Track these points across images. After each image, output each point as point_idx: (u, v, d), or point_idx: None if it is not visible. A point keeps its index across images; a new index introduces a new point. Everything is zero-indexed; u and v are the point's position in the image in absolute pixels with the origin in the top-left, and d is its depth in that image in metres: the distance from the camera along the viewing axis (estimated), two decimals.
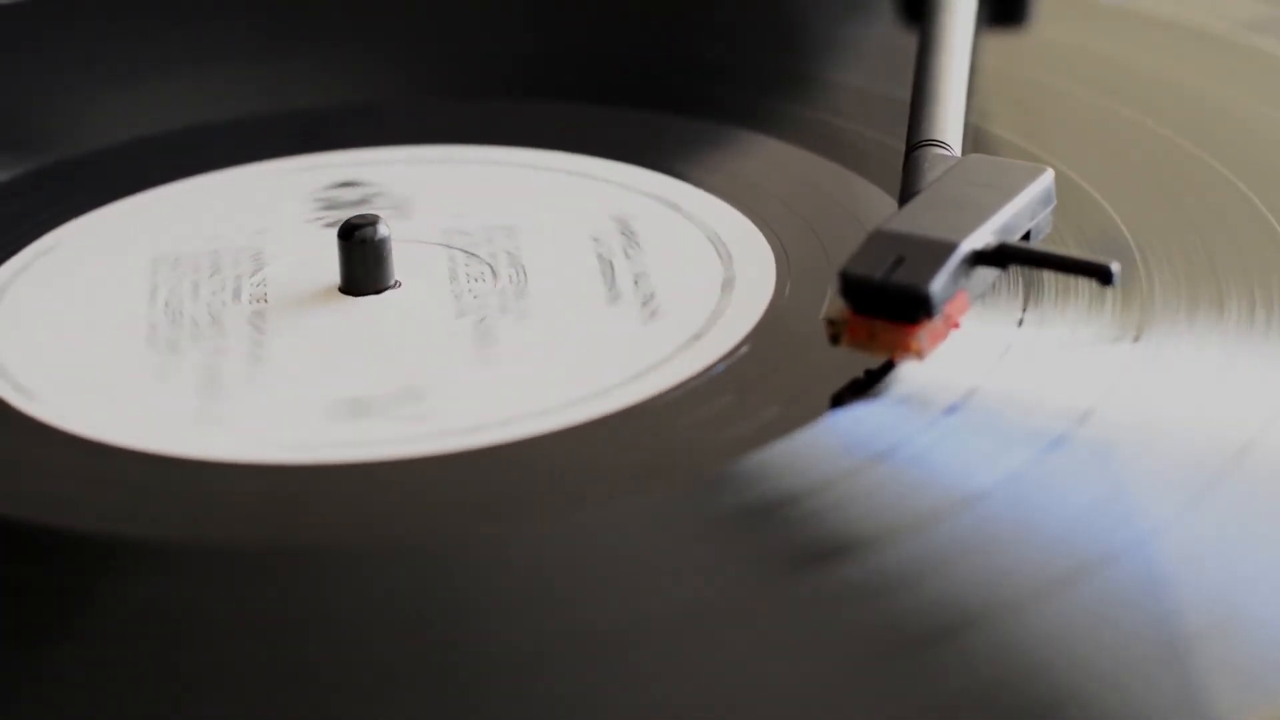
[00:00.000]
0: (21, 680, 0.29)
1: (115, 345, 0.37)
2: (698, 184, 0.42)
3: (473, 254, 0.40)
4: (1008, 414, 0.34)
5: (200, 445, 0.34)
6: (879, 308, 0.33)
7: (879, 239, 0.34)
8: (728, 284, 0.38)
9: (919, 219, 0.35)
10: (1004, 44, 0.48)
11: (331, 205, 0.42)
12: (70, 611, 0.30)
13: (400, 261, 0.39)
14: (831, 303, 0.34)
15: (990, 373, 0.34)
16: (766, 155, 0.43)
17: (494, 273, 0.39)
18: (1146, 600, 0.29)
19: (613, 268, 0.39)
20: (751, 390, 0.35)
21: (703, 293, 0.38)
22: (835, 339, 0.34)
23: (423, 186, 0.43)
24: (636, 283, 0.38)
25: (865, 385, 0.34)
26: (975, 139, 0.42)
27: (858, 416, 0.34)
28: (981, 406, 0.34)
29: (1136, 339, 0.35)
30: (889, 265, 0.34)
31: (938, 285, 0.33)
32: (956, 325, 0.34)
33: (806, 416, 0.33)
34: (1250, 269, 0.37)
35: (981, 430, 0.33)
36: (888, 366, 0.34)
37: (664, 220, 0.41)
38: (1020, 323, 0.36)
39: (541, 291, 0.38)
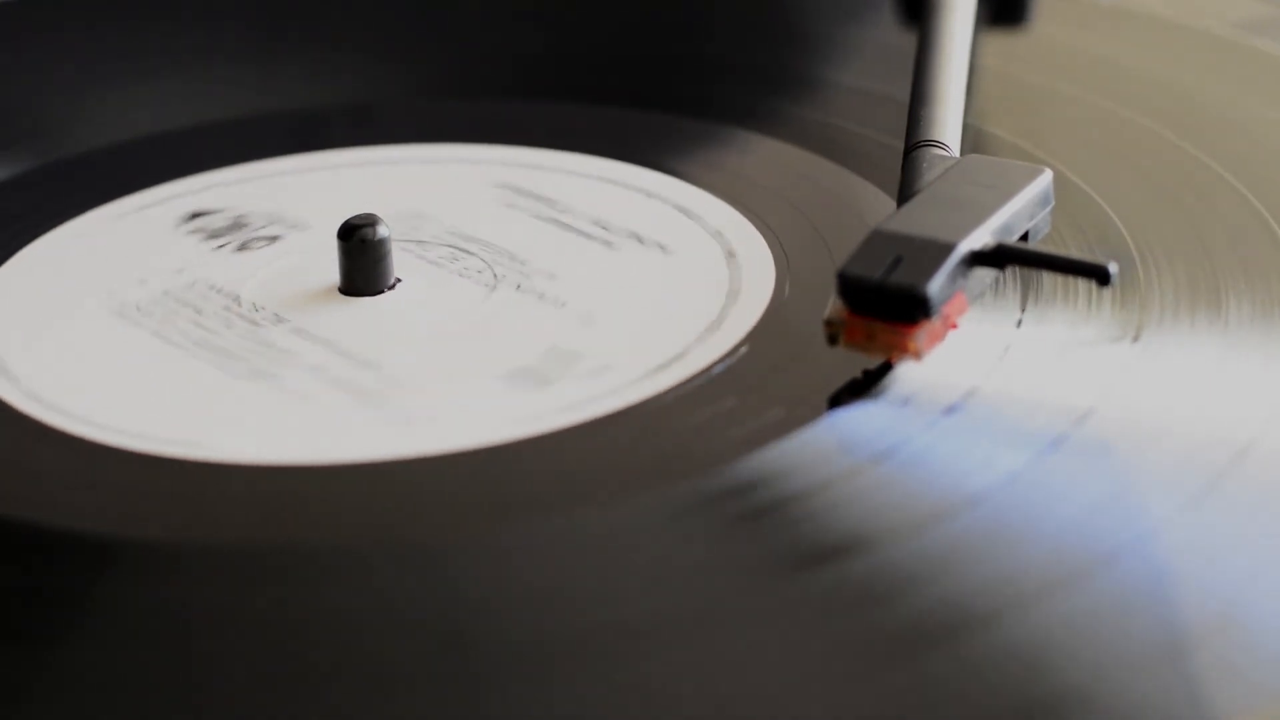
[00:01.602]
0: (21, 680, 0.29)
1: (117, 342, 0.37)
2: (698, 184, 0.42)
3: (472, 254, 0.40)
4: (1007, 414, 0.34)
5: (198, 445, 0.34)
6: (877, 308, 0.33)
7: (877, 239, 0.34)
8: (727, 285, 0.38)
9: (917, 219, 0.35)
10: (1003, 44, 0.48)
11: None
12: (69, 611, 0.30)
13: (403, 262, 0.39)
14: (830, 303, 0.34)
15: (989, 373, 0.34)
16: (767, 155, 0.43)
17: (494, 274, 0.39)
18: (1147, 600, 0.29)
19: (611, 268, 0.39)
20: (751, 391, 0.35)
21: (702, 293, 0.38)
22: (833, 340, 0.34)
23: (419, 186, 0.43)
24: (635, 283, 0.38)
25: (864, 386, 0.34)
26: (974, 139, 0.42)
27: (857, 417, 0.34)
28: (981, 407, 0.34)
29: (1135, 339, 0.35)
30: (887, 266, 0.34)
31: (935, 286, 0.33)
32: (954, 326, 0.34)
33: (806, 417, 0.34)
34: (1248, 269, 0.37)
35: (981, 431, 0.33)
36: (886, 367, 0.34)
37: (663, 220, 0.41)
38: (1019, 323, 0.36)
39: (540, 291, 0.38)
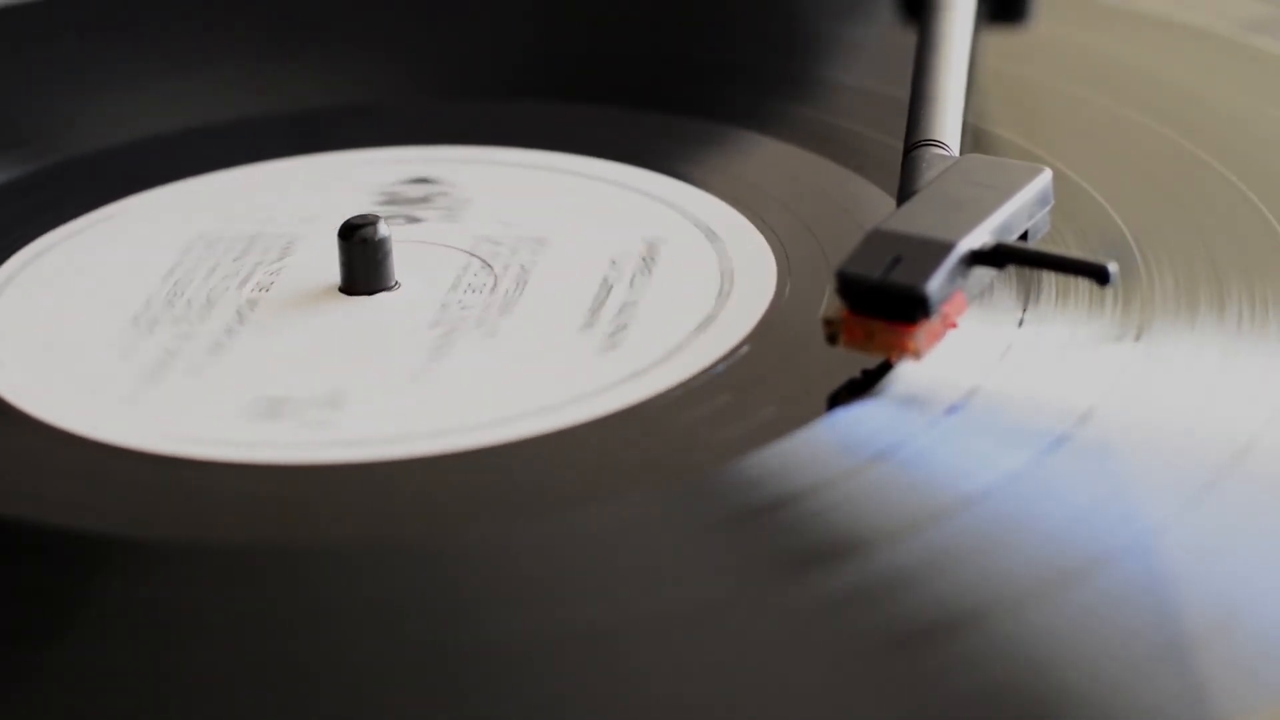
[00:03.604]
0: (20, 680, 0.29)
1: (116, 340, 0.37)
2: (698, 184, 0.42)
3: (472, 254, 0.40)
4: (1008, 414, 0.34)
5: (196, 444, 0.34)
6: (876, 307, 0.33)
7: (876, 238, 0.34)
8: (728, 284, 0.38)
9: (916, 219, 0.35)
10: (1005, 43, 0.48)
11: (394, 200, 0.42)
12: (68, 611, 0.30)
13: (411, 262, 0.39)
14: (829, 302, 0.34)
15: (991, 373, 0.34)
16: (767, 155, 0.43)
17: (494, 274, 0.39)
18: (1147, 600, 0.29)
19: (614, 267, 0.39)
20: (751, 390, 0.35)
21: (703, 292, 0.38)
22: (832, 339, 0.34)
23: (431, 186, 0.43)
24: (635, 284, 0.38)
25: (865, 385, 0.34)
26: (976, 139, 0.42)
27: (858, 417, 0.34)
28: (982, 406, 0.34)
29: (1137, 339, 0.35)
30: (886, 265, 0.34)
31: (934, 285, 0.33)
32: (954, 325, 0.34)
33: (807, 416, 0.33)
34: (1250, 268, 0.37)
35: (982, 430, 0.33)
36: (887, 366, 0.34)
37: (664, 221, 0.41)
38: (1021, 322, 0.36)
39: (545, 290, 0.38)
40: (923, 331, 0.33)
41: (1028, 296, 0.36)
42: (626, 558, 0.31)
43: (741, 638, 0.29)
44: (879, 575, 0.30)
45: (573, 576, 0.30)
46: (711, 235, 0.40)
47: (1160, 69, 0.47)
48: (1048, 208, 0.36)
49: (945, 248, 0.34)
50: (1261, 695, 0.27)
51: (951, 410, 0.34)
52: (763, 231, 0.40)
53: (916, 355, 0.33)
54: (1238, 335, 0.35)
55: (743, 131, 0.44)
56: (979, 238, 0.34)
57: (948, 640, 0.28)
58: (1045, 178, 0.36)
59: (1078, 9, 0.50)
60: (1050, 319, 0.36)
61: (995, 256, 0.34)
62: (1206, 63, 0.47)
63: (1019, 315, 0.36)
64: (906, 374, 0.34)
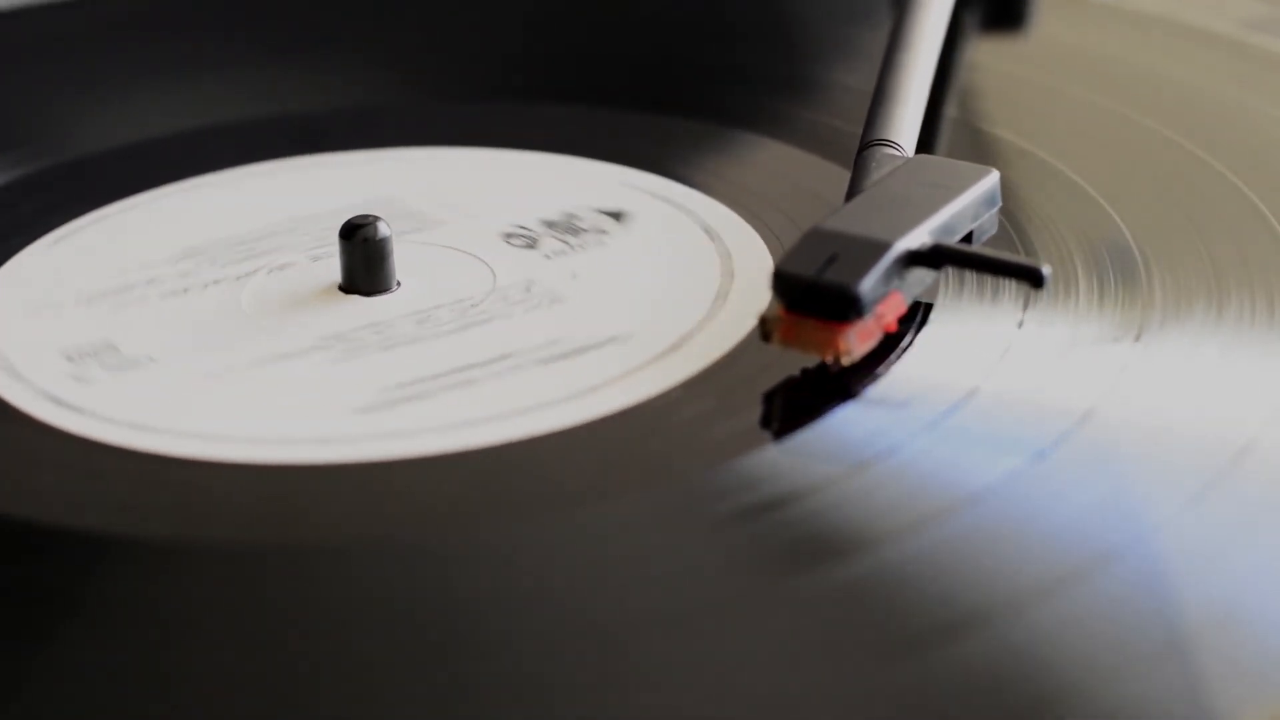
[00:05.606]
0: (19, 680, 0.29)
1: (116, 340, 0.37)
2: (697, 185, 0.42)
3: (471, 255, 0.40)
4: (1009, 414, 0.34)
5: (197, 444, 0.34)
6: (811, 306, 0.33)
7: (815, 237, 0.34)
8: (725, 285, 0.38)
9: (857, 218, 0.35)
10: (1004, 43, 0.48)
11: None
12: (66, 610, 0.30)
13: (404, 262, 0.39)
14: (771, 301, 0.34)
15: (991, 373, 0.34)
16: (766, 156, 0.43)
17: (493, 274, 0.39)
18: (1147, 599, 0.29)
19: (609, 268, 0.39)
20: (749, 390, 0.35)
21: (700, 293, 0.38)
22: (767, 337, 0.34)
23: (420, 186, 0.43)
24: (634, 283, 0.38)
25: (866, 386, 0.34)
26: (973, 140, 0.42)
27: (859, 417, 0.34)
28: (982, 407, 0.34)
29: (1137, 339, 0.35)
30: (822, 264, 0.33)
31: (867, 285, 0.33)
32: (890, 325, 0.34)
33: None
34: (1250, 268, 0.37)
35: (982, 430, 0.33)
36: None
37: (663, 221, 0.41)
38: (1021, 323, 0.36)
39: (538, 291, 0.38)
40: (855, 331, 0.33)
41: (1027, 297, 0.36)
42: (621, 559, 0.31)
43: (740, 639, 0.29)
44: (880, 575, 0.30)
45: (567, 578, 0.31)
46: (709, 236, 0.40)
47: (1160, 68, 0.46)
48: (994, 209, 0.36)
49: (881, 247, 0.34)
50: (1260, 693, 0.27)
51: (951, 411, 0.34)
52: (761, 232, 0.40)
53: (848, 355, 0.33)
54: (1237, 335, 0.35)
55: (742, 133, 0.44)
56: (917, 238, 0.34)
57: (949, 640, 0.28)
58: (992, 179, 0.36)
59: (1076, 9, 0.50)
60: (1050, 319, 0.36)
61: (932, 257, 0.34)
62: (1206, 62, 0.47)
63: (1019, 316, 0.36)
64: (906, 375, 0.34)
